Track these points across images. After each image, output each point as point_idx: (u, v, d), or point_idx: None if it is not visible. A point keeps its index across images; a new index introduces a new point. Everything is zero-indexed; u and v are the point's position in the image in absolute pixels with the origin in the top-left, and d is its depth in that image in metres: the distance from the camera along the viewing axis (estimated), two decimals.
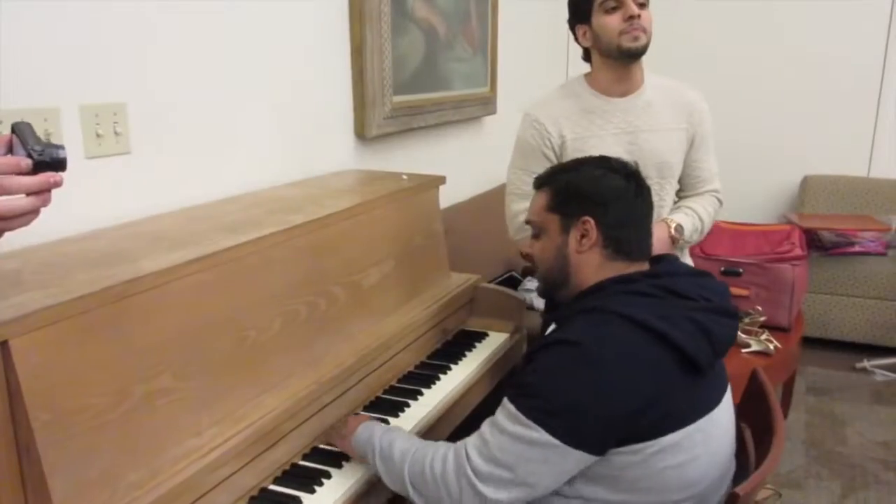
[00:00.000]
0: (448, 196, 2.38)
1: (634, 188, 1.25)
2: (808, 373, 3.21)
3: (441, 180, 2.01)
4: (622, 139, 1.74)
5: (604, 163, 1.29)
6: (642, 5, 1.65)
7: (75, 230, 1.33)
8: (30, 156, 0.78)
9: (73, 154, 1.33)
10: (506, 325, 1.96)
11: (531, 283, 2.51)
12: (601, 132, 1.75)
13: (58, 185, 0.79)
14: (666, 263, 1.25)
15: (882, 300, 3.32)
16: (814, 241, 3.41)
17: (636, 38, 1.65)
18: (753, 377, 1.29)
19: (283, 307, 1.38)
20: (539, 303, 2.21)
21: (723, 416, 1.15)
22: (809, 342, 3.32)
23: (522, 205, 1.73)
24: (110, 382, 1.03)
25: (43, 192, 0.79)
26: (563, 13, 1.83)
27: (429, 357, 1.77)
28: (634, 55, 1.68)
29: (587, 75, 1.78)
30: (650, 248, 1.27)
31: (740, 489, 0.98)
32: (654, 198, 1.75)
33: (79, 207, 1.34)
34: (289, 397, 1.30)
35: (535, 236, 1.31)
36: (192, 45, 1.57)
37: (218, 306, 1.23)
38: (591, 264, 1.22)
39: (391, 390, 1.60)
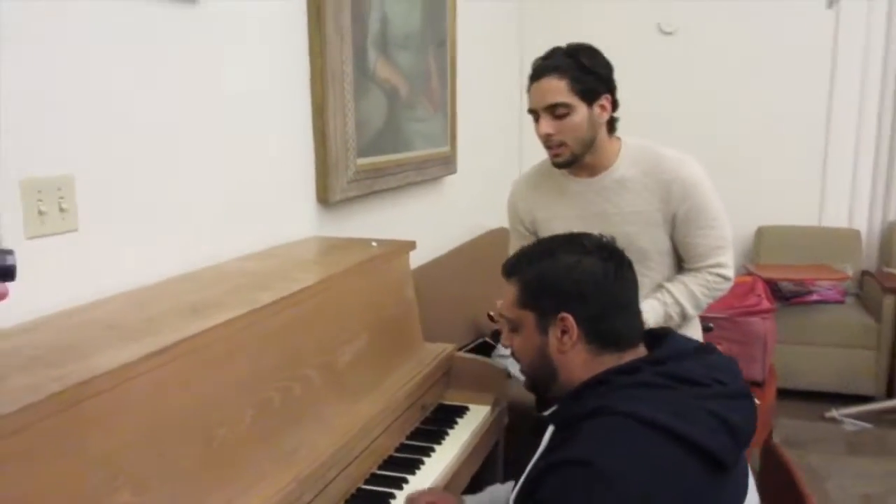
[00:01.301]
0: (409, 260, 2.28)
1: (614, 270, 1.11)
2: (781, 425, 3.17)
3: (411, 245, 1.91)
4: (590, 223, 1.61)
5: (576, 245, 1.15)
6: (561, 116, 1.55)
7: (13, 321, 1.17)
8: None
9: (11, 235, 1.19)
10: (486, 397, 1.84)
11: (505, 350, 2.41)
12: (568, 213, 1.68)
13: (3, 297, 0.65)
14: (668, 345, 1.11)
15: (845, 348, 3.33)
16: (774, 292, 3.42)
17: (556, 156, 1.60)
18: (770, 453, 1.20)
19: (255, 397, 1.24)
20: (516, 369, 2.10)
21: None
22: (777, 393, 3.29)
23: None
24: None
25: None
26: (514, 70, 1.78)
27: (409, 438, 1.63)
28: (561, 167, 1.63)
29: None
30: (641, 330, 1.15)
31: None
32: None
33: (16, 295, 1.18)
34: (264, 500, 1.15)
35: (513, 330, 1.18)
36: (145, 110, 1.45)
37: (183, 403, 1.08)
38: (578, 361, 1.10)
39: (373, 479, 1.45)
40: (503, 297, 1.19)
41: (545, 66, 1.57)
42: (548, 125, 1.56)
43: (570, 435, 1.00)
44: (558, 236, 1.21)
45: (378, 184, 2.28)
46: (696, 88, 3.90)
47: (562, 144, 1.58)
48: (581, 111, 1.56)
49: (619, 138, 1.69)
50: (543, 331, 1.12)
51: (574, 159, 1.60)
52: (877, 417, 3.20)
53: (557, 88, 1.55)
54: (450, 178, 3.03)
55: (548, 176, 1.73)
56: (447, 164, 2.88)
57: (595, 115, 1.59)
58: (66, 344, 1.06)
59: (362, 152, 2.17)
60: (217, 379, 1.16)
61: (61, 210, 1.27)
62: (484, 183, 3.42)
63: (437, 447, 1.59)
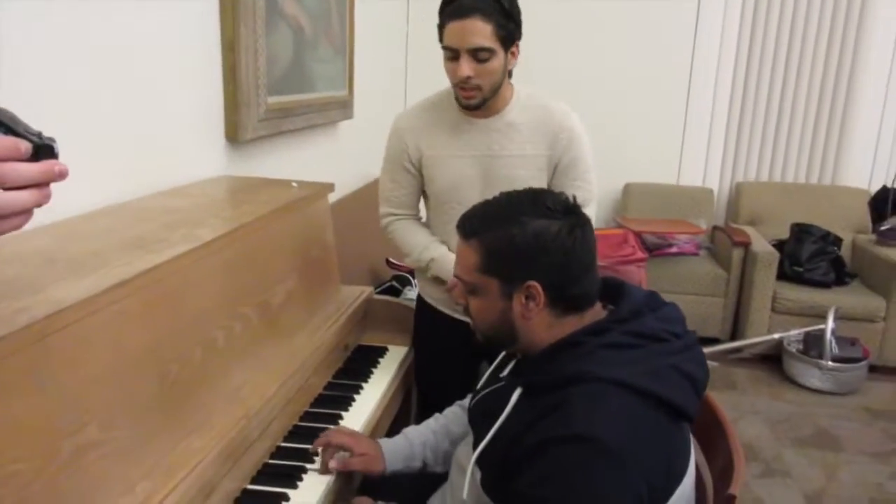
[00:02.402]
0: None
1: (580, 235, 1.08)
2: None
3: (330, 188, 1.91)
4: (479, 162, 1.68)
5: (541, 207, 1.09)
6: (483, 60, 1.54)
7: None
8: (26, 139, 0.61)
9: None
10: (403, 338, 1.90)
11: (412, 293, 2.47)
12: (459, 153, 1.70)
13: (63, 176, 0.63)
14: (627, 301, 1.12)
15: (698, 296, 3.69)
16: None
17: (468, 98, 1.60)
18: None
19: (202, 335, 1.21)
20: None
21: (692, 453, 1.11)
22: None
23: (388, 209, 1.81)
24: (36, 441, 0.84)
25: (43, 186, 0.62)
26: (401, 22, 1.73)
27: (335, 377, 1.66)
28: (470, 109, 1.64)
29: None
30: (599, 287, 1.14)
31: (733, 489, 1.02)
32: None
33: None
34: (219, 437, 1.14)
35: (470, 292, 1.14)
36: (46, 39, 1.32)
37: (141, 339, 1.05)
38: (542, 325, 1.09)
39: (307, 416, 1.47)
40: (461, 258, 1.14)
41: (469, 6, 1.53)
42: (469, 68, 1.55)
43: (554, 404, 0.99)
44: (521, 195, 1.14)
45: (286, 124, 2.23)
46: (572, 51, 4.07)
47: (476, 87, 1.58)
48: (500, 56, 1.57)
49: (511, 84, 1.70)
50: (507, 296, 1.09)
51: (483, 102, 1.61)
52: (723, 357, 3.59)
53: (483, 32, 1.53)
54: (345, 124, 3.00)
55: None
56: (345, 108, 2.85)
57: (507, 61, 1.61)
58: (11, 277, 0.99)
59: (272, 90, 2.10)
60: (170, 315, 1.13)
61: None
62: (373, 130, 3.41)
63: (364, 385, 1.64)
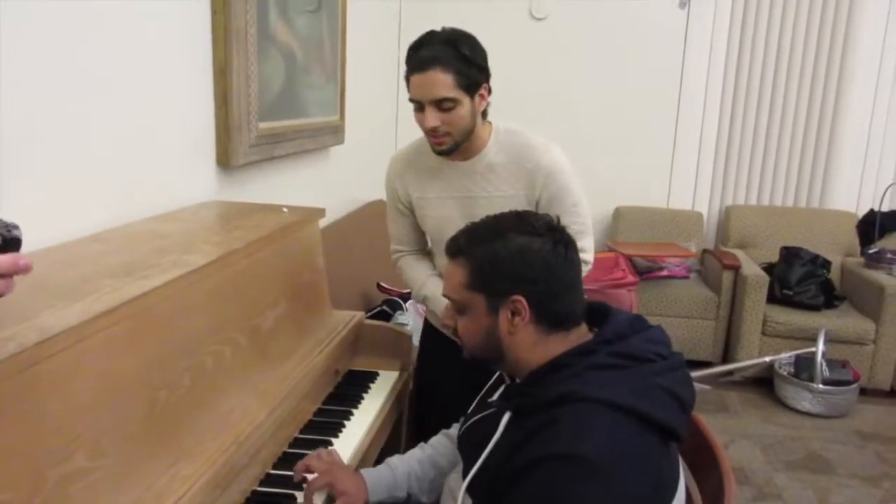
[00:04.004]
0: None
1: (563, 252, 1.11)
2: None
3: (321, 213, 1.91)
4: (460, 203, 1.69)
5: (526, 225, 1.12)
6: (447, 109, 1.54)
7: None
8: None
9: None
10: (393, 363, 1.89)
11: (403, 317, 2.46)
12: (441, 195, 1.72)
13: (27, 270, 0.66)
14: (613, 323, 1.13)
15: (689, 318, 3.70)
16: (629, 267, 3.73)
17: (439, 144, 1.60)
18: None
19: (191, 360, 1.21)
20: (417, 337, 2.15)
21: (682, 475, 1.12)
22: None
23: (394, 246, 1.89)
24: (22, 470, 0.83)
25: (6, 277, 0.64)
26: (393, 48, 1.75)
27: (325, 402, 1.65)
28: (443, 155, 1.64)
29: None
30: (584, 308, 1.16)
31: None
32: None
33: None
34: (208, 464, 1.13)
35: (458, 311, 1.16)
36: (38, 64, 1.33)
37: (129, 366, 1.05)
38: (527, 342, 1.10)
39: (298, 443, 1.46)
40: (448, 277, 1.16)
41: (428, 59, 1.52)
42: (434, 118, 1.55)
43: (542, 424, 1.01)
44: (506, 215, 1.17)
45: (277, 149, 2.24)
46: (563, 75, 4.12)
47: (446, 134, 1.58)
48: (465, 103, 1.55)
49: (490, 122, 1.70)
50: (493, 311, 1.11)
51: (456, 147, 1.61)
52: (714, 380, 3.59)
53: (444, 83, 1.52)
54: (336, 149, 3.01)
55: (423, 156, 1.73)
56: (336, 133, 2.86)
57: (476, 105, 1.59)
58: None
59: (263, 116, 2.11)
60: (159, 341, 1.12)
61: None
62: (364, 156, 3.43)
63: (354, 411, 1.63)
